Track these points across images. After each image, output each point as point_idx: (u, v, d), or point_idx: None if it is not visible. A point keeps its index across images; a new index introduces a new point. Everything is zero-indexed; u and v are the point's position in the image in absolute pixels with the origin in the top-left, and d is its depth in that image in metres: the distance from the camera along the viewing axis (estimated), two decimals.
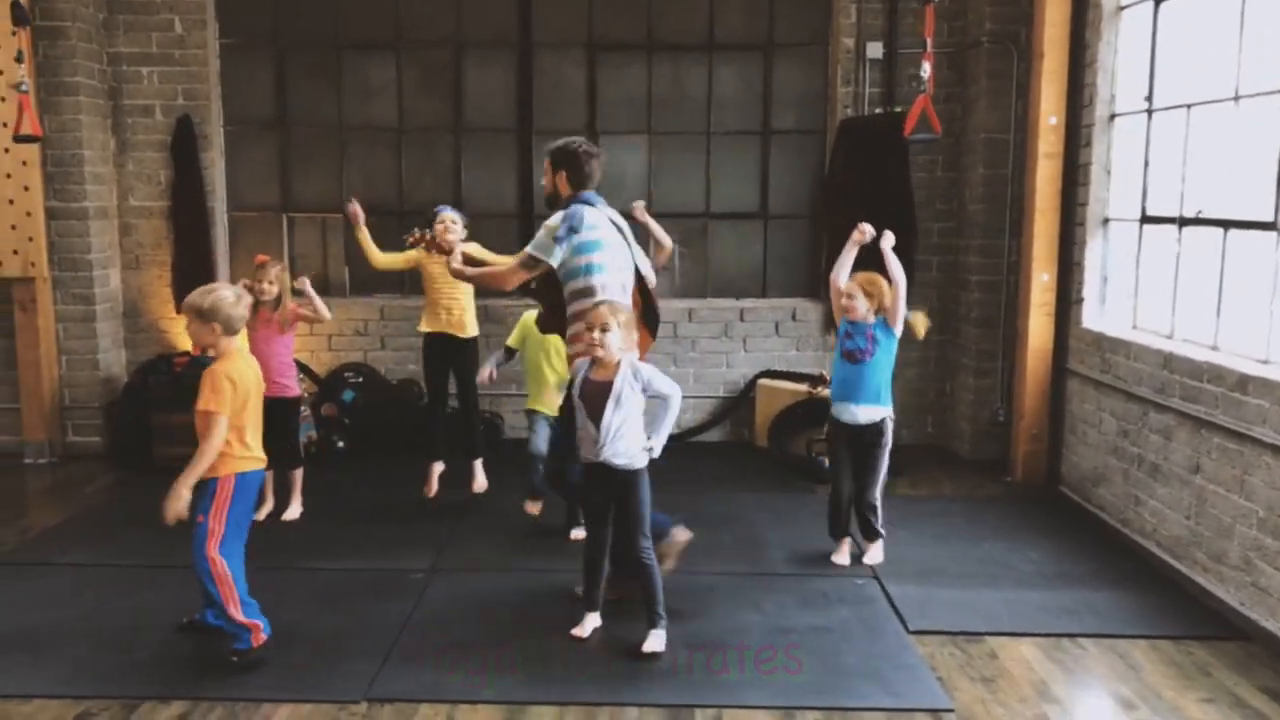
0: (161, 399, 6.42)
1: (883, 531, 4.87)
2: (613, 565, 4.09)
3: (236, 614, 3.67)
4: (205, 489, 3.66)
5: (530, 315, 5.20)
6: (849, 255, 4.81)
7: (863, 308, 4.65)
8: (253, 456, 3.75)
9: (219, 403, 3.60)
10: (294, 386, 5.29)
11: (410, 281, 7.16)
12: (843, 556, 4.89)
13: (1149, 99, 5.40)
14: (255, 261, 5.29)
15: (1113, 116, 5.72)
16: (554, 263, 4.21)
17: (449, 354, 5.57)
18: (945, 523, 5.48)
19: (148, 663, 3.72)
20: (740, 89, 7.18)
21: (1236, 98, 4.60)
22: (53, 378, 6.74)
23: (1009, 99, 6.50)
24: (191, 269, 6.95)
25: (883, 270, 4.69)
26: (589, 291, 4.17)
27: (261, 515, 5.13)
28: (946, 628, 4.15)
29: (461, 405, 5.68)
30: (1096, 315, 5.85)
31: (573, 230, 4.18)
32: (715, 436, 7.21)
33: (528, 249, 4.30)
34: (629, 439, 3.84)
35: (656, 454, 3.90)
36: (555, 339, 4.87)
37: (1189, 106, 5.01)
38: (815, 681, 3.70)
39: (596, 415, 3.82)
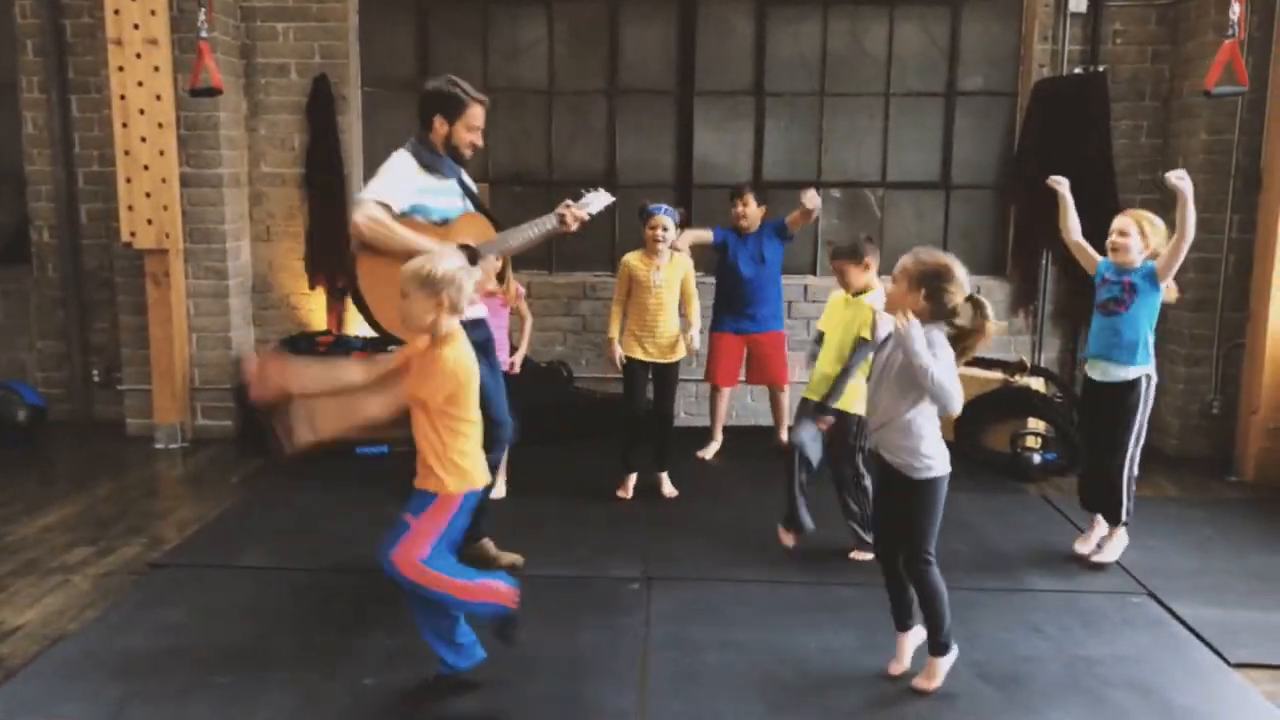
0: None
1: (1126, 520, 4.32)
2: None
3: (473, 597, 3.10)
4: (424, 497, 3.09)
5: (838, 296, 4.51)
6: (1069, 210, 4.38)
7: (1135, 248, 4.10)
8: (482, 470, 3.17)
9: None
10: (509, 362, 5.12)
11: (558, 259, 6.66)
12: (1086, 543, 4.46)
13: None
14: None
15: None
16: None
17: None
18: (1191, 529, 4.88)
19: (380, 691, 3.23)
20: (924, 46, 6.55)
21: None
22: (184, 357, 6.30)
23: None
24: (326, 241, 6.48)
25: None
26: None
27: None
28: (1276, 660, 3.57)
29: (660, 412, 5.25)
30: None
31: None
32: None
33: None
34: (900, 431, 3.18)
35: None
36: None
37: None
38: None
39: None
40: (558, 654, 3.51)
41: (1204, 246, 6.03)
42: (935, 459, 3.18)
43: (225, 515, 4.95)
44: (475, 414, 3.11)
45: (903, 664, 3.39)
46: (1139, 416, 4.20)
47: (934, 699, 3.27)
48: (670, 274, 5.13)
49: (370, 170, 6.63)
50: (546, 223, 4.10)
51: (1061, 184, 4.40)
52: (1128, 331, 4.15)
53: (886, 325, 4.12)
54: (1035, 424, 5.86)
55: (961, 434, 6.14)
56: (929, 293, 3.06)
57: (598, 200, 4.22)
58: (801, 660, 3.50)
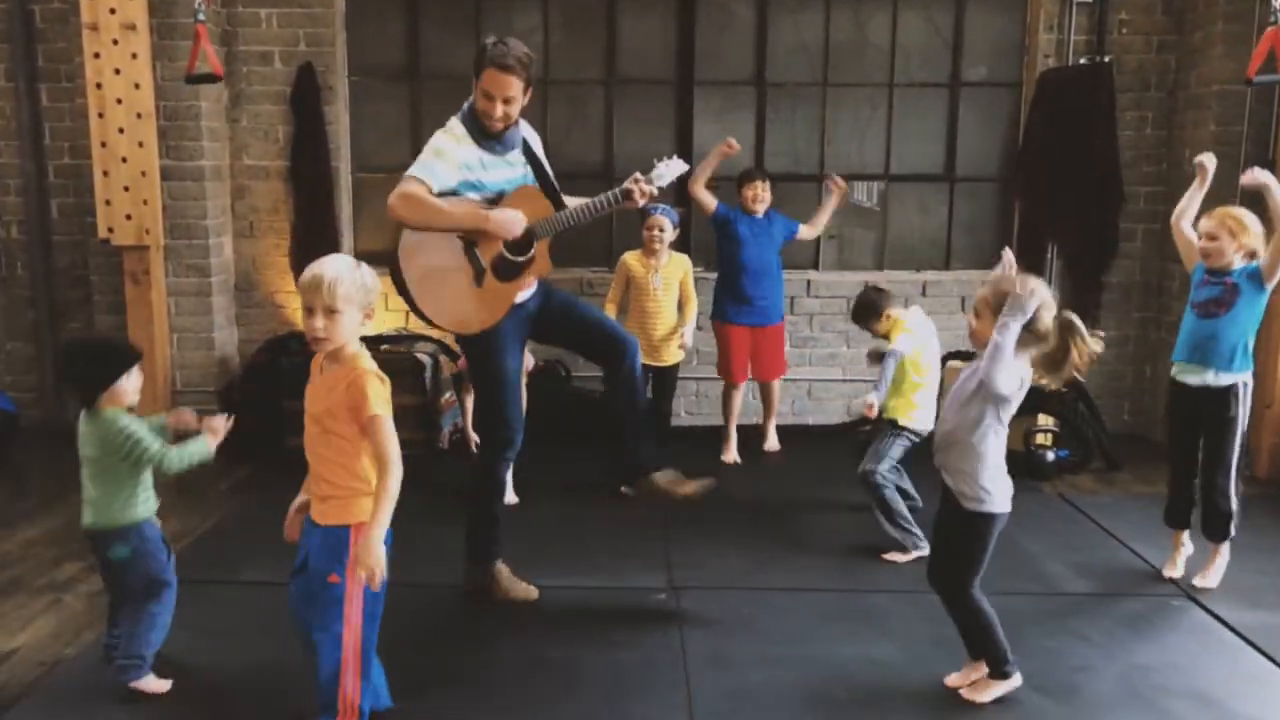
0: (296, 382, 5.67)
1: (1233, 533, 4.08)
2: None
3: (351, 692, 2.69)
4: (336, 539, 2.71)
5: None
6: (1197, 195, 4.10)
7: (1229, 250, 3.86)
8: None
9: (386, 405, 2.65)
10: None
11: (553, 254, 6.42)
12: (1175, 567, 4.20)
13: None
14: None
15: None
16: None
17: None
18: None
19: (415, 714, 3.03)
20: (928, 36, 6.42)
21: None
22: (165, 358, 6.01)
23: (1248, 47, 5.75)
24: (312, 237, 6.22)
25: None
26: None
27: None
28: None
29: (659, 412, 5.18)
30: None
31: None
32: None
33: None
34: (961, 454, 3.02)
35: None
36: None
37: None
38: None
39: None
40: (594, 671, 3.34)
41: None
42: (994, 494, 3.03)
43: (220, 526, 4.71)
44: None
45: (964, 680, 3.25)
46: (1240, 425, 3.97)
47: (996, 714, 3.13)
48: (669, 275, 5.03)
49: (358, 162, 6.42)
50: (611, 198, 3.64)
51: (1209, 161, 4.08)
52: (1229, 334, 3.90)
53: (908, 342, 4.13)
54: (1046, 420, 5.76)
55: None
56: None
57: (671, 170, 3.77)
58: (848, 676, 3.35)
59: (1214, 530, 4.09)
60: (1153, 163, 6.32)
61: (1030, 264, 6.42)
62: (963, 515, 3.06)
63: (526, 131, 3.70)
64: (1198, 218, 4.07)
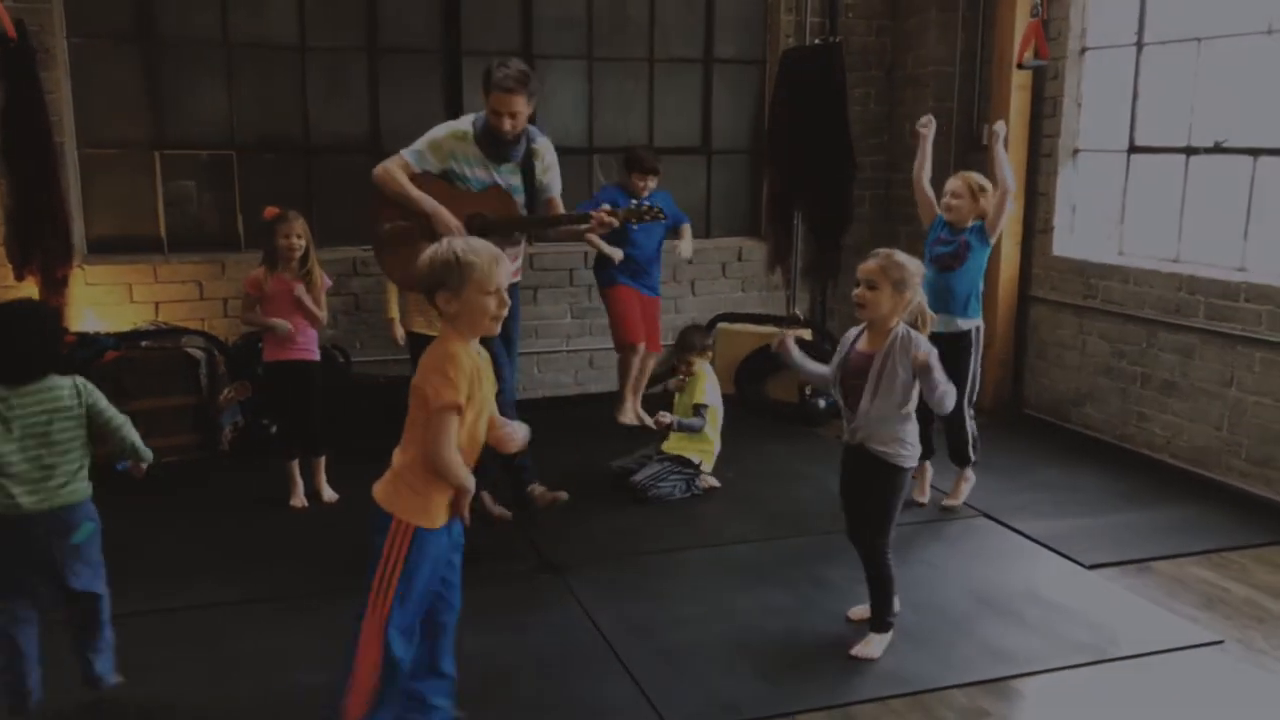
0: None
1: (974, 458, 4.67)
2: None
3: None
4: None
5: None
6: (926, 152, 4.67)
7: (970, 211, 4.47)
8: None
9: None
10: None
11: (324, 232, 6.04)
12: (922, 493, 4.70)
13: (1139, 33, 5.64)
14: (266, 215, 4.32)
15: (1084, 50, 5.95)
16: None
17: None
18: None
19: None
20: (682, 13, 6.68)
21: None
22: None
23: (955, 33, 6.56)
24: (34, 222, 5.41)
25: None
26: None
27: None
28: (1115, 558, 4.16)
29: None
30: (1067, 243, 6.12)
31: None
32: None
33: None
34: (895, 426, 3.25)
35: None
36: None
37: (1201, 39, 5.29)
38: (1109, 629, 3.56)
39: (852, 397, 3.28)
40: (518, 657, 3.31)
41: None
42: (914, 449, 3.33)
43: None
44: None
45: (866, 614, 3.54)
46: (973, 365, 4.57)
47: (895, 636, 3.47)
48: None
49: (87, 137, 5.67)
50: (569, 217, 4.28)
51: (928, 126, 4.60)
52: (963, 285, 4.49)
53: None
54: None
55: (743, 386, 6.48)
56: (909, 290, 3.19)
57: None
58: (756, 626, 3.56)
59: (960, 456, 4.67)
60: (877, 135, 7.04)
61: (779, 231, 6.95)
62: (889, 470, 3.29)
63: (541, 144, 4.25)
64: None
